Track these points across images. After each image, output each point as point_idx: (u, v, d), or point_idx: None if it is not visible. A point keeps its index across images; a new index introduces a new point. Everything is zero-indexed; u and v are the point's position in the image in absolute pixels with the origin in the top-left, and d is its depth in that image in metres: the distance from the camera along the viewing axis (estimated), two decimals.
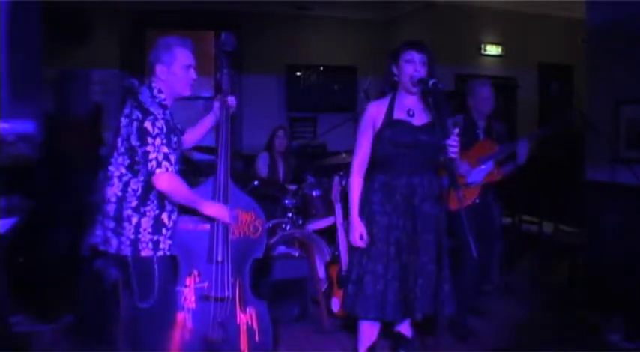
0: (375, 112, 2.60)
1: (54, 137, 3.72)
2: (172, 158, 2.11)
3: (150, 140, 2.07)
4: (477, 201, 3.31)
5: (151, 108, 2.11)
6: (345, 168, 4.19)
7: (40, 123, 3.63)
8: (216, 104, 2.54)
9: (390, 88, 2.63)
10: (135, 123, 2.09)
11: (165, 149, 2.09)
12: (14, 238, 3.12)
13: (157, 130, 2.07)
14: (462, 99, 3.54)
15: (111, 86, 5.85)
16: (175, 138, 2.19)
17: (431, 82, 2.38)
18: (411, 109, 2.57)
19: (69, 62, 5.80)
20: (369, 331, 2.71)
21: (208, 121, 2.57)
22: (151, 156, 2.07)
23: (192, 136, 2.57)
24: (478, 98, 3.41)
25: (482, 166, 3.34)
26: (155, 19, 6.57)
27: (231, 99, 2.54)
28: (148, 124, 2.07)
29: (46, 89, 4.31)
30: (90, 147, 3.84)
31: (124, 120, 2.16)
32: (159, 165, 2.07)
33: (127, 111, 2.17)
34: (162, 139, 2.08)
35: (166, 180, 2.10)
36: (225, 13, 6.78)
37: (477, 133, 3.45)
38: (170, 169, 2.10)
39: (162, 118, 2.11)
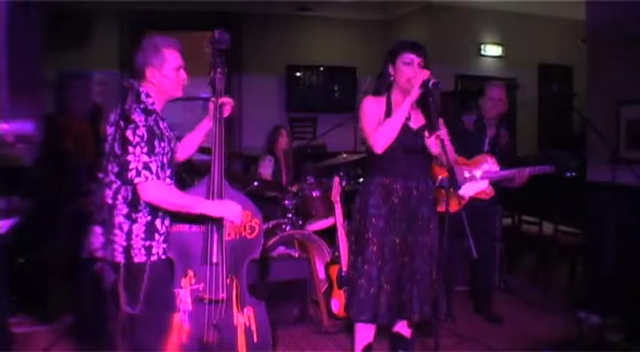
0: (376, 108, 2.56)
1: (54, 137, 3.72)
2: (154, 166, 2.07)
3: (130, 149, 2.04)
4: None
5: (133, 116, 2.07)
6: (345, 169, 4.20)
7: (40, 124, 3.63)
8: (211, 106, 2.47)
9: (385, 87, 2.61)
10: (118, 132, 2.08)
11: (145, 158, 2.05)
12: (14, 238, 3.12)
13: (137, 139, 2.04)
14: (475, 100, 3.53)
15: (111, 87, 5.83)
16: (162, 144, 2.14)
17: (431, 82, 2.38)
18: (408, 111, 2.57)
19: (69, 63, 5.79)
20: (364, 332, 2.70)
21: (205, 126, 2.51)
22: (131, 165, 2.04)
23: (189, 145, 2.51)
24: (487, 99, 3.39)
25: (478, 182, 3.32)
26: (155, 19, 6.57)
27: (228, 105, 2.47)
28: (129, 133, 2.05)
29: (46, 89, 4.32)
30: (89, 148, 3.84)
31: (109, 129, 2.14)
32: (138, 174, 2.04)
33: (112, 118, 2.15)
34: (142, 148, 2.05)
35: (147, 188, 2.06)
36: (225, 13, 6.78)
37: (484, 141, 3.43)
38: (150, 178, 2.06)
39: (144, 125, 2.07)
